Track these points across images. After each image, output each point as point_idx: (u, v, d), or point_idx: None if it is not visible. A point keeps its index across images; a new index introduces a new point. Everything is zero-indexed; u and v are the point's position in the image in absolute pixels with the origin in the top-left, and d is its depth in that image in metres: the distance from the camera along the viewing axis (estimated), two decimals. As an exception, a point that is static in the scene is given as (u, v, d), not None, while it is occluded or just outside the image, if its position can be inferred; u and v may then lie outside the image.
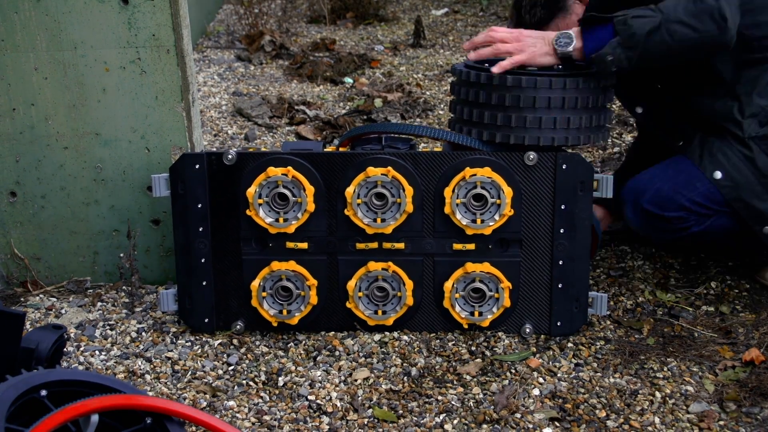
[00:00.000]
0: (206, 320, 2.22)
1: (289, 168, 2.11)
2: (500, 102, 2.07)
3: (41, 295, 2.48)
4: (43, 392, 1.49)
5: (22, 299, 2.46)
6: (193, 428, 1.81)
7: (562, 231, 2.13)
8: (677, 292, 2.43)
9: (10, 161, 2.43)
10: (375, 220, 2.13)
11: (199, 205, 2.16)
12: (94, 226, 2.49)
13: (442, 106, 4.14)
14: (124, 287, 2.50)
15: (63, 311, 2.38)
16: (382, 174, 2.10)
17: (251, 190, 2.12)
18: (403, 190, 2.11)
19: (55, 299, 2.46)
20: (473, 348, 2.15)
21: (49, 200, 2.46)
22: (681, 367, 2.05)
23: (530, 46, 2.07)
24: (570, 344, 2.16)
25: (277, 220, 2.13)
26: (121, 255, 2.46)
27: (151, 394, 1.99)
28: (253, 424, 1.87)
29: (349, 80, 4.57)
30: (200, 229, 2.17)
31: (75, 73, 2.35)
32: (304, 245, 2.17)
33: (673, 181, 2.20)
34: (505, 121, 2.07)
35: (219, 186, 2.15)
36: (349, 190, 2.12)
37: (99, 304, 2.42)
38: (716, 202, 2.17)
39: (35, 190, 2.45)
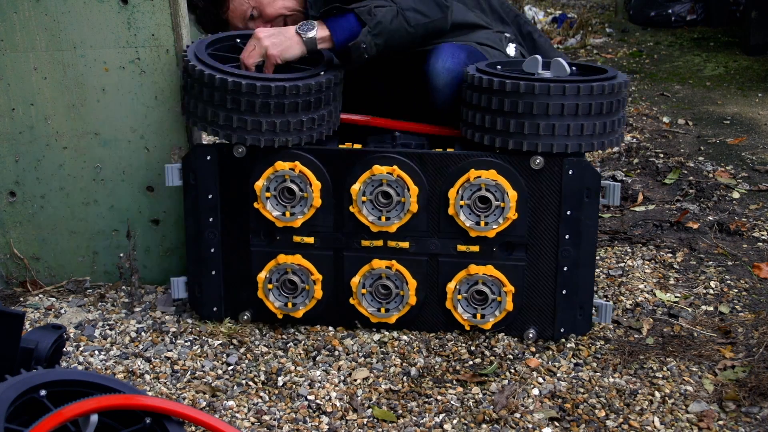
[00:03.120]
0: (215, 309, 2.25)
1: (297, 163, 2.12)
2: (500, 107, 2.04)
3: (40, 295, 2.48)
4: (43, 392, 1.49)
5: (21, 299, 2.46)
6: (193, 428, 1.81)
7: (567, 237, 2.12)
8: (676, 291, 2.44)
9: (9, 161, 2.43)
10: (380, 218, 2.13)
11: (210, 196, 2.18)
12: (93, 226, 2.48)
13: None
14: (123, 287, 2.50)
15: (62, 311, 2.38)
16: (387, 172, 2.10)
17: (259, 184, 2.13)
18: (408, 190, 2.10)
19: (54, 299, 2.46)
20: (473, 348, 2.15)
21: (48, 200, 2.46)
22: (680, 366, 2.05)
23: (280, 41, 2.14)
24: (569, 344, 2.16)
25: (283, 214, 2.15)
26: (121, 255, 2.46)
27: (150, 393, 1.99)
28: (253, 424, 1.87)
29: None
30: (210, 220, 2.19)
31: (74, 72, 2.35)
32: (311, 240, 2.18)
33: (475, 55, 2.36)
34: (505, 127, 2.05)
35: (229, 178, 2.17)
36: (355, 188, 2.12)
37: (98, 304, 2.42)
38: None
39: (35, 190, 2.45)
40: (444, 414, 1.89)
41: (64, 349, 2.12)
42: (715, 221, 2.88)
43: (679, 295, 2.41)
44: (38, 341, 1.85)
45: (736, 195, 3.12)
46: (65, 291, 2.50)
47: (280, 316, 2.22)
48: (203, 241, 2.21)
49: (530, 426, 1.83)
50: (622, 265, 2.61)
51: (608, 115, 2.06)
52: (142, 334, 2.26)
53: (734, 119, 4.10)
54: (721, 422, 1.83)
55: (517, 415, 1.87)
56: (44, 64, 2.34)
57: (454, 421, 1.86)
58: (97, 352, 2.18)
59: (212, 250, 2.21)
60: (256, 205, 2.15)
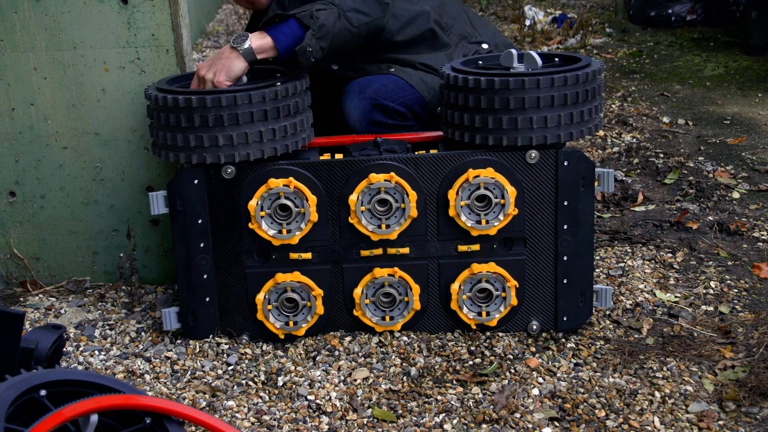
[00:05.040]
0: (210, 336, 2.21)
1: (291, 179, 2.08)
2: (490, 105, 2.04)
3: (40, 295, 2.48)
4: (43, 392, 1.49)
5: (21, 299, 2.46)
6: (193, 428, 1.81)
7: (565, 227, 2.14)
8: (676, 291, 2.44)
9: (9, 161, 2.43)
10: (380, 227, 2.12)
11: (200, 221, 2.12)
12: (93, 226, 2.49)
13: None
14: (123, 287, 2.50)
15: (62, 311, 2.38)
16: (385, 180, 2.09)
17: (252, 203, 2.08)
18: (407, 195, 2.10)
19: (54, 299, 2.46)
20: (473, 348, 2.15)
21: (48, 200, 2.46)
22: (680, 366, 2.05)
23: (219, 66, 2.11)
24: (569, 344, 2.16)
25: (280, 232, 2.11)
26: (121, 255, 2.46)
27: (150, 393, 1.99)
28: (253, 424, 1.87)
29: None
30: (201, 245, 2.14)
31: (74, 72, 2.35)
32: (308, 255, 2.15)
33: (394, 83, 2.39)
34: (496, 124, 2.05)
35: (219, 200, 2.11)
36: (353, 198, 2.10)
37: (98, 304, 2.42)
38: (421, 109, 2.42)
39: (35, 190, 2.45)
40: (444, 414, 1.89)
41: (64, 349, 2.12)
42: (715, 221, 2.88)
43: (679, 295, 2.41)
44: (38, 341, 1.85)
45: (736, 195, 3.12)
46: (65, 291, 2.50)
47: (281, 336, 2.18)
48: (195, 267, 2.14)
49: (530, 426, 1.83)
50: (622, 265, 2.61)
51: (584, 104, 2.07)
52: (142, 334, 2.26)
53: (734, 119, 4.10)
54: (721, 422, 1.83)
55: (517, 415, 1.87)
56: (44, 64, 2.34)
57: (454, 421, 1.86)
58: (97, 352, 2.18)
59: (205, 276, 2.15)
60: (250, 225, 2.10)
